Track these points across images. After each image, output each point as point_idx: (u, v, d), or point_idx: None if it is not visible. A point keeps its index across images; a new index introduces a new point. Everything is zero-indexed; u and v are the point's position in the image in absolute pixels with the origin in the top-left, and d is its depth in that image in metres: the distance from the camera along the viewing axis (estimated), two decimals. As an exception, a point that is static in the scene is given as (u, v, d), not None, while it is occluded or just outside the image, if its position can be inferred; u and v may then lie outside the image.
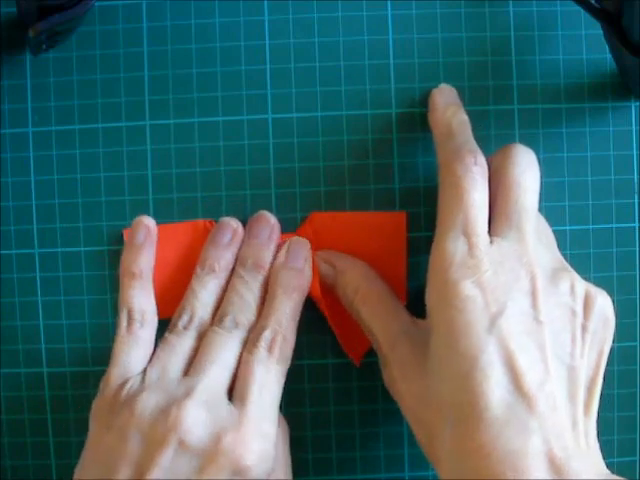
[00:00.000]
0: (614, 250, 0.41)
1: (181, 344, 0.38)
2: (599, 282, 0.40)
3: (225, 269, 0.39)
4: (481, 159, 0.36)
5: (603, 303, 0.35)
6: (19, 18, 0.38)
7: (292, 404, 0.41)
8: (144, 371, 0.37)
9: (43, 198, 0.41)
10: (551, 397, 0.32)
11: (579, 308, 0.34)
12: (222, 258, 0.39)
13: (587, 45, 0.40)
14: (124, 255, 0.40)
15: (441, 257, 0.34)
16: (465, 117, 0.39)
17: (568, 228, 0.41)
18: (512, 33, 0.41)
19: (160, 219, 0.41)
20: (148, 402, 0.35)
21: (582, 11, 0.37)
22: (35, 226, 0.41)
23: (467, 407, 0.32)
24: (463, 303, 0.33)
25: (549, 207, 0.40)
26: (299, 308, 0.39)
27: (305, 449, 0.41)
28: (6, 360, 0.41)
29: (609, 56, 0.39)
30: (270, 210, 0.40)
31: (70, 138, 0.40)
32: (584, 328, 0.34)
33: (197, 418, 0.34)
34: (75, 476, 0.35)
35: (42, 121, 0.40)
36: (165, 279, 0.40)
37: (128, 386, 0.36)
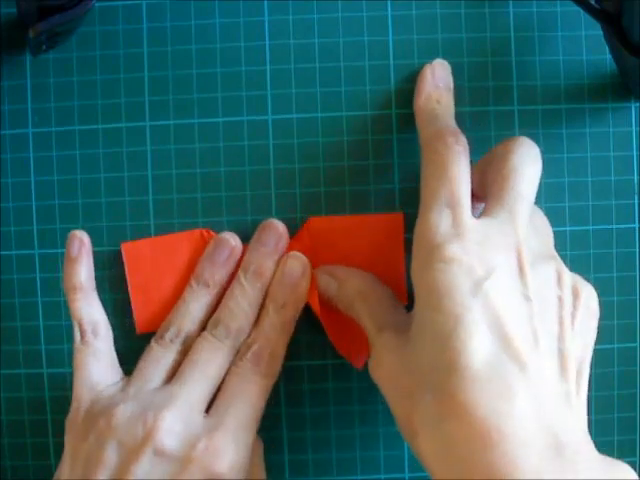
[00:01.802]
0: (614, 251, 0.41)
1: (165, 357, 0.38)
2: (599, 283, 0.40)
3: (219, 285, 0.39)
4: (462, 139, 0.36)
5: (589, 295, 0.34)
6: (19, 18, 0.38)
7: (292, 404, 0.41)
8: (126, 383, 0.38)
9: (43, 199, 0.41)
10: (541, 368, 0.31)
11: (567, 297, 0.33)
12: (217, 274, 0.39)
13: (587, 46, 0.40)
14: (64, 271, 0.40)
15: (425, 228, 0.34)
16: (450, 102, 0.39)
17: (568, 229, 0.41)
18: (512, 34, 0.41)
19: (160, 220, 0.41)
20: (125, 411, 0.36)
21: (582, 11, 0.37)
22: (35, 227, 0.41)
23: (449, 366, 0.31)
24: (446, 264, 0.32)
25: (549, 207, 0.40)
26: (292, 324, 0.39)
27: (305, 449, 0.41)
28: (6, 360, 0.41)
29: (609, 57, 0.39)
30: (270, 211, 0.40)
31: (70, 139, 0.40)
32: (572, 316, 0.33)
33: (173, 427, 0.35)
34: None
35: (42, 122, 0.40)
36: (163, 290, 0.40)
37: (105, 396, 0.37)
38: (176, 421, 0.35)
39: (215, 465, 0.35)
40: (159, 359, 0.38)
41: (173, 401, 0.36)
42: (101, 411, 0.36)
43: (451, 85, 0.40)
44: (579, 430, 0.31)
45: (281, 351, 0.38)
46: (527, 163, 0.35)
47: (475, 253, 0.32)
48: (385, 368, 0.35)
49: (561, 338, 0.32)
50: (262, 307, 0.39)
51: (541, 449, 0.29)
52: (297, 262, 0.39)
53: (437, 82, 0.39)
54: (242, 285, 0.39)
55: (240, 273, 0.39)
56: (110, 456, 0.35)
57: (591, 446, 0.31)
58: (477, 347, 0.31)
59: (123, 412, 0.35)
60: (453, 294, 0.31)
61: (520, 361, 0.30)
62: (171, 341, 0.38)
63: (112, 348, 0.39)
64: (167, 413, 0.35)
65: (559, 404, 0.31)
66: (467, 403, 0.30)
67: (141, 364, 0.38)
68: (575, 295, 0.34)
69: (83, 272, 0.39)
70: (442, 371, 0.31)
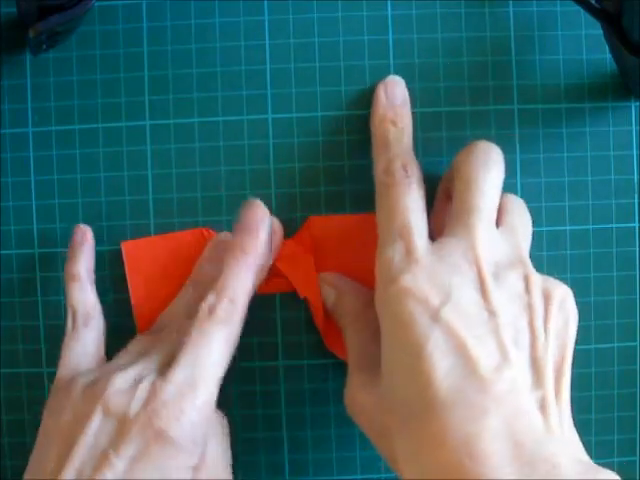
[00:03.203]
0: (614, 250, 0.41)
1: (140, 342, 0.38)
2: (599, 282, 0.40)
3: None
4: (413, 170, 0.36)
5: (562, 296, 0.34)
6: (19, 18, 0.38)
7: (292, 404, 0.41)
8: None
9: (43, 198, 0.41)
10: (510, 381, 0.30)
11: (537, 303, 0.33)
12: (214, 273, 0.38)
13: (587, 45, 0.40)
14: (66, 262, 0.39)
15: (381, 263, 0.34)
16: (406, 121, 0.38)
17: (568, 228, 0.41)
18: (512, 33, 0.41)
19: (160, 219, 0.41)
20: (82, 380, 0.35)
21: (582, 11, 0.37)
22: (35, 226, 0.41)
23: (417, 398, 0.31)
24: (403, 296, 0.32)
25: (549, 207, 0.40)
26: (251, 272, 0.37)
27: (305, 449, 0.41)
28: (6, 360, 0.41)
29: (609, 56, 0.39)
30: (270, 210, 0.40)
31: (70, 138, 0.40)
32: (545, 321, 0.33)
33: (122, 385, 0.34)
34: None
35: (42, 121, 0.40)
36: (163, 290, 0.40)
37: (76, 378, 0.36)
38: (124, 381, 0.34)
39: (158, 422, 0.33)
40: (135, 343, 0.38)
41: (127, 366, 0.35)
42: (64, 386, 0.36)
43: (407, 101, 0.39)
44: (557, 438, 0.30)
45: (241, 299, 0.36)
46: (480, 171, 0.35)
47: (428, 281, 0.32)
48: (359, 404, 0.35)
49: (533, 346, 0.32)
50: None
51: (516, 469, 0.29)
52: (257, 211, 0.38)
53: (392, 101, 0.39)
54: (231, 262, 0.37)
55: (227, 255, 0.37)
56: (65, 424, 0.34)
57: (572, 450, 0.31)
58: (441, 376, 0.30)
59: (79, 381, 0.35)
60: (412, 327, 0.32)
61: (486, 380, 0.30)
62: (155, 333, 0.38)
63: (101, 339, 0.39)
64: (119, 374, 0.35)
65: (534, 414, 0.30)
66: (439, 432, 0.30)
67: (122, 352, 0.38)
68: (546, 298, 0.33)
69: (82, 262, 0.39)
70: (412, 404, 0.31)
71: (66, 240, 0.40)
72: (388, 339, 0.33)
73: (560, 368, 0.32)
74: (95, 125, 0.40)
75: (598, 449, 0.41)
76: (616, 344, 0.41)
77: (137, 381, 0.34)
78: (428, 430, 0.30)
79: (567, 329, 0.33)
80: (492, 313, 0.32)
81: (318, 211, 0.41)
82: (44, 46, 0.39)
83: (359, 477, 0.41)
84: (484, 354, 0.31)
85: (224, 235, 0.40)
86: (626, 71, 0.39)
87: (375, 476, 0.41)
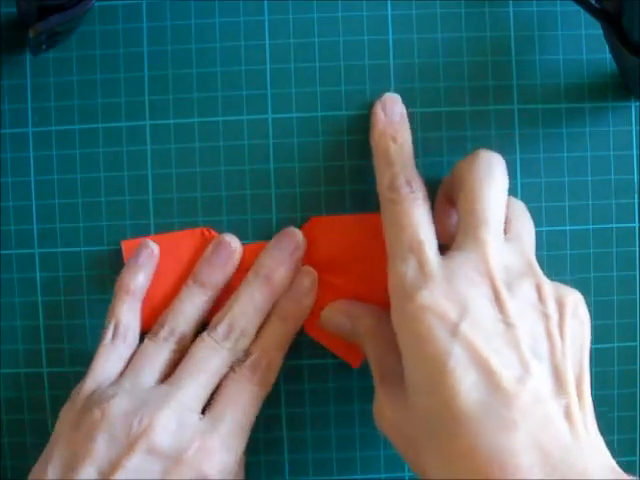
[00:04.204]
0: (614, 250, 0.41)
1: (158, 354, 0.38)
2: (599, 282, 0.40)
3: (216, 287, 0.39)
4: (417, 184, 0.36)
5: (575, 302, 0.34)
6: (19, 18, 0.38)
7: (292, 404, 0.41)
8: (120, 377, 0.38)
9: (43, 198, 0.41)
10: (534, 391, 0.31)
11: (551, 311, 0.33)
12: (214, 276, 0.39)
13: (587, 45, 0.40)
14: (124, 272, 0.40)
15: (394, 279, 0.34)
16: (406, 136, 0.38)
17: (568, 228, 0.41)
18: (512, 33, 0.41)
19: (160, 219, 0.41)
20: (120, 405, 0.36)
21: (582, 11, 0.37)
22: (35, 226, 0.41)
23: (444, 414, 0.31)
24: (420, 313, 0.32)
25: (549, 207, 0.40)
26: (291, 338, 0.39)
27: (305, 449, 0.41)
28: (6, 360, 0.41)
29: (609, 56, 0.39)
30: (270, 210, 0.40)
31: (70, 138, 0.40)
32: (560, 329, 0.33)
33: (167, 426, 0.35)
34: (34, 475, 0.36)
35: (42, 121, 0.40)
36: (163, 289, 0.40)
37: (100, 391, 0.37)
38: (171, 421, 0.36)
39: (205, 466, 0.35)
40: (152, 356, 0.38)
41: (169, 401, 0.36)
42: (96, 402, 0.36)
43: (406, 118, 0.39)
44: (584, 445, 0.31)
45: (278, 363, 0.39)
46: (485, 180, 0.35)
47: (445, 295, 0.33)
48: (387, 418, 0.35)
49: (552, 353, 0.32)
50: (267, 317, 0.39)
51: (546, 478, 0.29)
52: (307, 278, 0.40)
53: (391, 118, 0.39)
54: (250, 288, 0.39)
55: (250, 275, 0.39)
56: (100, 448, 0.35)
57: (600, 456, 0.31)
58: (465, 391, 0.31)
59: (118, 406, 0.36)
60: (432, 343, 0.32)
61: (510, 393, 0.30)
62: (165, 339, 0.38)
63: (130, 356, 0.39)
64: (163, 412, 0.35)
65: (560, 422, 0.31)
66: (468, 446, 0.30)
67: (135, 360, 0.38)
68: (560, 305, 0.33)
69: (141, 280, 0.39)
70: (439, 419, 0.31)
71: (66, 240, 0.41)
72: (409, 356, 0.33)
73: (579, 374, 0.33)
74: (95, 125, 0.41)
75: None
76: (616, 344, 0.41)
77: (183, 421, 0.36)
78: (457, 443, 0.30)
79: (582, 334, 0.34)
80: (509, 325, 0.32)
81: (318, 211, 0.41)
82: (44, 46, 0.39)
83: (359, 477, 0.41)
84: (505, 367, 0.31)
85: (228, 236, 0.40)
86: (626, 71, 0.39)
87: (375, 476, 0.41)
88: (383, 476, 0.41)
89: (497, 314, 0.32)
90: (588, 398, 0.32)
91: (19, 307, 0.41)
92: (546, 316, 0.33)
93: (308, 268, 0.40)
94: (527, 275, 0.34)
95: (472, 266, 0.33)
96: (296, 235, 0.40)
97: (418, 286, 0.33)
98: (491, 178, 0.35)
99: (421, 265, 0.34)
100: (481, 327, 0.32)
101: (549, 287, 0.34)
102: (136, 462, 0.34)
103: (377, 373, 0.37)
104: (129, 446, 0.35)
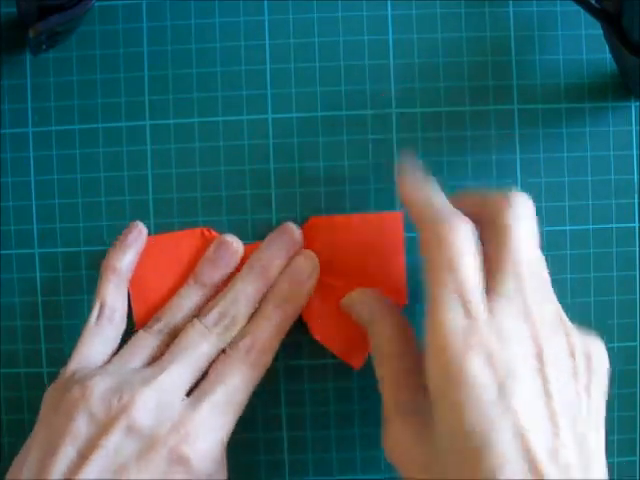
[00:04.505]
0: (614, 250, 0.41)
1: (148, 342, 0.38)
2: (599, 282, 0.40)
3: (216, 286, 0.39)
4: (466, 218, 0.34)
5: (601, 357, 0.33)
6: (19, 18, 0.38)
7: (292, 404, 0.41)
8: (105, 364, 0.38)
9: (43, 198, 0.41)
10: (565, 466, 0.30)
11: (581, 369, 0.32)
12: (216, 276, 0.39)
13: (587, 45, 0.40)
14: (111, 251, 0.40)
15: (439, 330, 0.32)
16: (437, 187, 0.36)
17: (568, 228, 0.41)
18: (512, 33, 0.41)
19: (160, 219, 0.41)
20: (100, 384, 0.35)
21: (582, 11, 0.37)
22: (35, 226, 0.41)
23: (475, 472, 0.30)
24: (469, 379, 0.30)
25: (549, 207, 0.40)
26: (289, 322, 0.39)
27: (305, 449, 0.41)
28: (6, 360, 0.41)
29: (609, 56, 0.39)
30: (270, 210, 0.40)
31: (70, 138, 0.41)
32: (587, 389, 0.32)
33: (148, 404, 0.35)
34: (19, 457, 0.36)
35: (42, 121, 0.40)
36: (163, 288, 0.40)
37: (82, 372, 0.37)
38: (152, 400, 0.35)
39: (183, 448, 0.35)
40: (142, 343, 0.38)
41: (152, 381, 0.36)
42: (77, 381, 0.36)
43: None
44: None
45: (274, 346, 0.38)
46: (521, 220, 0.34)
47: (495, 359, 0.31)
48: (405, 451, 0.34)
49: (580, 418, 0.31)
50: (263, 299, 0.39)
51: None
52: (308, 262, 0.39)
53: (415, 175, 0.37)
54: (243, 278, 0.39)
55: (245, 268, 0.39)
56: (80, 427, 0.34)
57: None
58: (506, 467, 0.29)
59: (97, 384, 0.35)
60: (477, 410, 0.30)
61: (543, 466, 0.30)
62: (159, 331, 0.38)
63: (117, 341, 0.39)
64: (144, 390, 0.35)
65: None
66: None
67: (125, 348, 0.38)
68: (588, 362, 0.33)
69: (128, 259, 0.39)
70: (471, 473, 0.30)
71: (66, 240, 0.41)
72: (447, 418, 0.31)
73: (597, 430, 0.32)
74: (95, 125, 0.41)
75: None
76: (616, 344, 0.41)
77: (165, 402, 0.35)
78: None
79: (603, 390, 0.33)
80: (548, 392, 0.31)
81: (318, 211, 0.41)
82: (44, 46, 0.39)
83: (359, 477, 0.41)
84: (541, 440, 0.30)
85: (230, 237, 0.40)
86: (626, 71, 0.39)
87: (375, 476, 0.41)
88: (383, 476, 0.41)
89: (538, 377, 0.31)
90: (602, 452, 0.32)
91: (19, 307, 0.41)
92: (576, 374, 0.32)
93: (309, 252, 0.40)
94: (559, 326, 0.33)
95: (517, 314, 0.32)
96: (294, 231, 0.40)
97: (467, 348, 0.31)
98: (527, 219, 0.34)
99: (470, 319, 0.32)
100: (524, 394, 0.31)
101: (579, 341, 0.33)
102: (114, 441, 0.34)
103: (391, 398, 0.35)
104: (108, 425, 0.34)
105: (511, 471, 0.30)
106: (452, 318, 0.32)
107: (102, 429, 0.34)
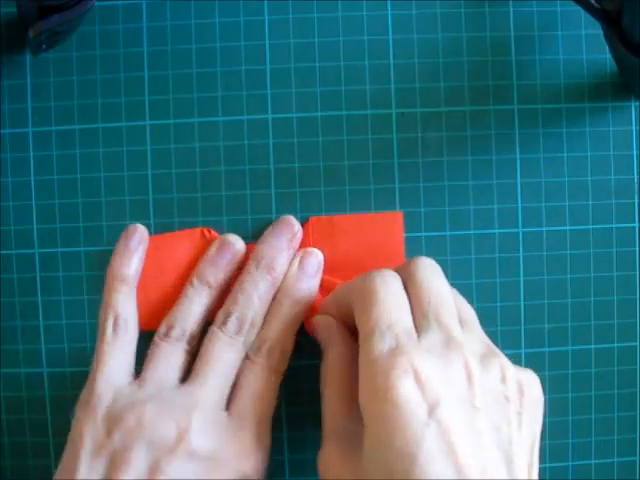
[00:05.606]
0: (614, 250, 0.41)
1: (174, 355, 0.38)
2: (599, 282, 0.40)
3: (220, 286, 0.39)
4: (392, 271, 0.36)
5: (533, 386, 0.34)
6: (19, 18, 0.38)
7: (292, 404, 0.41)
8: (140, 379, 0.37)
9: (43, 198, 0.41)
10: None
11: (512, 395, 0.33)
12: (219, 276, 0.39)
13: (587, 45, 0.40)
14: (114, 259, 0.39)
15: (368, 353, 0.32)
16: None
17: (568, 228, 0.41)
18: (512, 33, 0.41)
19: (160, 219, 0.41)
20: (153, 410, 0.35)
21: (582, 11, 0.37)
22: (35, 226, 0.41)
23: None
24: (398, 398, 0.31)
25: (549, 207, 0.40)
26: (300, 318, 0.39)
27: (305, 449, 0.41)
28: (6, 360, 0.41)
29: (609, 56, 0.39)
30: (270, 210, 0.40)
31: (70, 138, 0.40)
32: (519, 414, 0.32)
33: (203, 428, 0.36)
34: (60, 476, 0.36)
35: (42, 121, 0.40)
36: (162, 289, 0.40)
37: (124, 397, 0.36)
38: (205, 422, 0.36)
39: (244, 465, 0.36)
40: (169, 357, 0.38)
41: (198, 402, 0.36)
42: (126, 408, 0.36)
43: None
44: None
45: (290, 347, 0.39)
46: (433, 274, 0.35)
47: (424, 379, 0.31)
48: (337, 473, 0.34)
49: (510, 441, 0.32)
50: (274, 301, 0.39)
51: None
52: (314, 259, 0.40)
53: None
54: (253, 277, 0.39)
55: (251, 264, 0.39)
56: (139, 455, 0.34)
57: None
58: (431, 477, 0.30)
59: (151, 411, 0.35)
60: (406, 430, 0.30)
61: None
62: (177, 339, 0.38)
63: (135, 346, 0.39)
64: (196, 414, 0.36)
65: None
66: None
67: (152, 361, 0.38)
68: (520, 390, 0.33)
69: (135, 266, 0.39)
70: None
71: (66, 240, 0.41)
72: (375, 439, 0.31)
73: (530, 458, 0.32)
74: (95, 125, 0.41)
75: (598, 449, 0.41)
76: (616, 344, 0.41)
77: (213, 421, 0.36)
78: None
79: (536, 419, 0.34)
80: (476, 409, 0.31)
81: (318, 211, 0.41)
82: (44, 46, 0.39)
83: (359, 477, 0.41)
84: (471, 456, 0.30)
85: (232, 237, 0.40)
86: (626, 71, 0.39)
87: (375, 476, 0.41)
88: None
89: (467, 396, 0.31)
90: (535, 476, 0.32)
91: (19, 307, 0.41)
92: (507, 399, 0.32)
93: (313, 249, 0.40)
94: (492, 356, 0.33)
95: (444, 344, 0.33)
96: (293, 223, 0.40)
97: (393, 366, 0.31)
98: (437, 274, 0.35)
99: (398, 342, 0.32)
100: (453, 413, 0.31)
101: (510, 370, 0.33)
102: (177, 466, 0.34)
103: (327, 422, 0.36)
104: (168, 451, 0.35)
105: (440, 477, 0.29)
106: (380, 340, 0.33)
107: (162, 455, 0.35)
